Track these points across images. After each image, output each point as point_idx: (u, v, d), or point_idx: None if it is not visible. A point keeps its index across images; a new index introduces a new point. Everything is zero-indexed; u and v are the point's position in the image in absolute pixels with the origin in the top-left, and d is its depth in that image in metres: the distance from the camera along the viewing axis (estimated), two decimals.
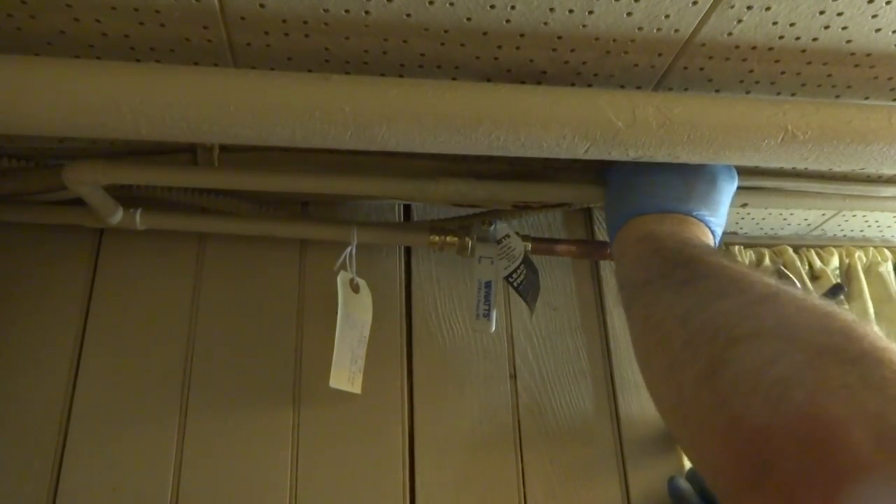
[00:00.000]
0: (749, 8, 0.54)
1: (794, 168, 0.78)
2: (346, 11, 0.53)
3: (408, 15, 0.53)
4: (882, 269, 0.98)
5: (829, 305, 0.39)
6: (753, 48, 0.58)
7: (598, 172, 0.74)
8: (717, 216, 0.63)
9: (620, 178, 0.67)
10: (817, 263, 0.95)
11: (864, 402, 0.30)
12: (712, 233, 0.62)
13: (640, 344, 0.51)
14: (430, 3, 0.52)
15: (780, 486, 0.30)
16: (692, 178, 0.63)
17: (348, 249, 0.73)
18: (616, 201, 0.66)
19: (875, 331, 0.35)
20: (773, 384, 0.33)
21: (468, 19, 0.54)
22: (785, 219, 0.94)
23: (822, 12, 0.54)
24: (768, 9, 0.54)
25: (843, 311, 0.38)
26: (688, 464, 0.79)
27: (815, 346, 0.34)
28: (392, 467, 0.73)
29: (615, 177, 0.68)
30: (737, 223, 0.96)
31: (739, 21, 0.55)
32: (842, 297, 0.87)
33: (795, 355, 0.34)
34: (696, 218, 0.61)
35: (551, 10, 0.53)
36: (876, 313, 0.94)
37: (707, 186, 0.63)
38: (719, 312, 0.41)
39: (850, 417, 0.29)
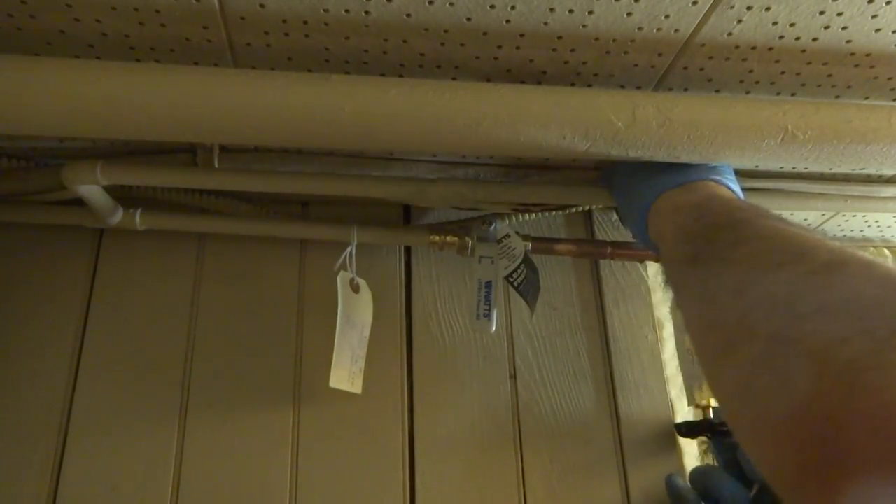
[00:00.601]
0: (749, 8, 0.54)
1: (794, 168, 0.78)
2: (346, 11, 0.53)
3: (408, 15, 0.53)
4: None
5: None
6: (753, 48, 0.58)
7: (598, 173, 0.74)
8: (737, 185, 0.59)
9: (627, 168, 0.64)
10: None
11: None
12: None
13: (693, 325, 0.46)
14: (430, 3, 0.52)
15: (853, 480, 0.28)
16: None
17: (348, 249, 0.73)
18: (631, 190, 0.63)
19: None
20: (845, 367, 0.29)
21: (468, 19, 0.54)
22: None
23: (821, 12, 0.54)
24: (768, 9, 0.54)
25: None
26: (688, 464, 0.79)
27: (890, 323, 0.30)
28: (392, 467, 0.73)
29: (621, 168, 0.66)
30: None
31: (739, 21, 0.55)
32: None
33: (869, 334, 0.30)
34: (722, 183, 0.57)
35: (551, 10, 0.53)
36: None
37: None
38: (778, 283, 0.37)
39: None
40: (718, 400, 0.41)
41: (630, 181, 0.63)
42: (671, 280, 0.52)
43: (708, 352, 0.42)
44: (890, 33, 0.57)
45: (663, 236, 0.55)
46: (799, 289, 0.36)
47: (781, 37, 0.57)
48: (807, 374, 0.31)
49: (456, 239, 0.76)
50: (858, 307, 0.32)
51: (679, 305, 0.50)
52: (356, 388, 0.71)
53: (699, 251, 0.47)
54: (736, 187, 0.58)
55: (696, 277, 0.46)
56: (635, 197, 0.61)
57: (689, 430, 0.74)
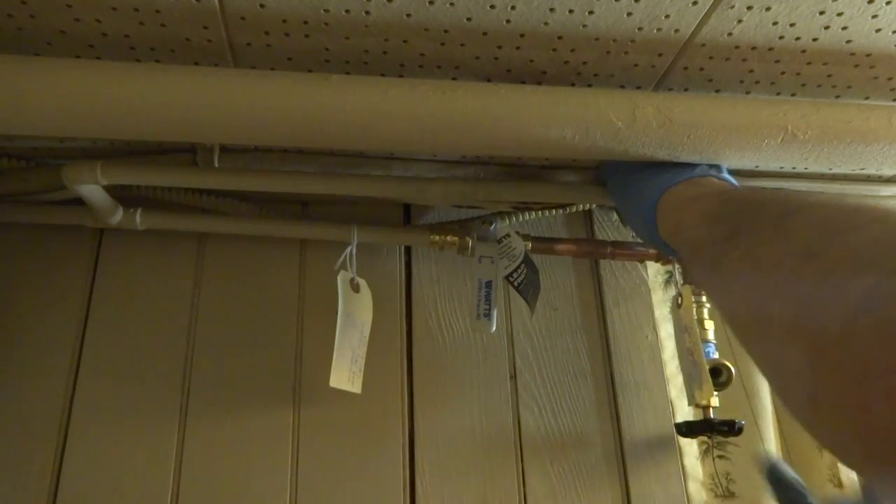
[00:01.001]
0: (749, 8, 0.54)
1: (794, 168, 0.78)
2: (347, 11, 0.53)
3: (408, 15, 0.53)
4: None
5: None
6: (753, 48, 0.58)
7: (595, 172, 0.74)
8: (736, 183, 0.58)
9: (626, 168, 0.63)
10: None
11: None
12: None
13: (743, 303, 0.39)
14: (431, 3, 0.52)
15: None
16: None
17: (348, 249, 0.73)
18: (631, 190, 0.61)
19: None
20: None
21: (468, 19, 0.54)
22: None
23: (822, 12, 0.54)
24: (768, 9, 0.54)
25: None
26: (689, 464, 0.79)
27: None
28: (392, 467, 0.73)
29: (619, 168, 0.65)
30: None
31: (739, 21, 0.55)
32: None
33: None
34: (725, 179, 0.56)
35: (551, 10, 0.53)
36: None
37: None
38: (860, 241, 0.32)
39: None
40: (782, 381, 0.35)
41: (629, 180, 0.62)
42: (702, 264, 0.46)
43: (772, 324, 0.36)
44: (890, 33, 0.57)
45: (681, 227, 0.52)
46: (887, 246, 0.30)
47: (782, 37, 0.57)
48: None
49: (456, 238, 0.76)
50: None
51: (716, 287, 0.44)
52: (356, 387, 0.71)
53: (738, 227, 0.43)
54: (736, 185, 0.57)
55: (741, 252, 0.41)
56: (637, 196, 0.59)
57: (689, 429, 0.74)
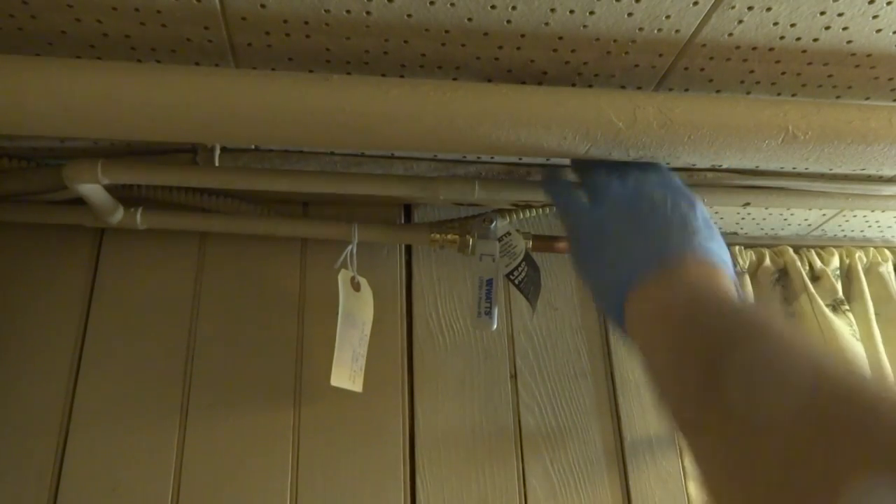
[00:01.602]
0: (750, 8, 0.54)
1: (794, 168, 0.79)
2: (348, 12, 0.53)
3: (409, 15, 0.53)
4: (882, 269, 0.98)
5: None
6: (754, 49, 0.58)
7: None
8: (723, 249, 0.49)
9: (588, 222, 0.53)
10: (817, 263, 0.95)
11: None
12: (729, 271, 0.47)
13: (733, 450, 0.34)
14: (432, 3, 0.52)
15: None
16: (674, 196, 0.51)
17: (349, 248, 0.73)
18: (601, 260, 0.50)
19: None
20: None
21: (469, 20, 0.54)
22: (785, 219, 0.94)
23: (822, 13, 0.54)
24: (769, 9, 0.54)
25: None
26: (688, 464, 0.79)
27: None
28: (392, 466, 0.73)
29: (587, 222, 0.53)
30: (737, 223, 0.96)
31: (740, 21, 0.55)
32: None
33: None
34: (703, 251, 0.47)
35: (552, 10, 0.53)
36: (876, 313, 0.94)
37: (692, 206, 0.51)
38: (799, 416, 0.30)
39: None
40: None
41: (600, 246, 0.51)
42: (673, 410, 0.40)
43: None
44: (891, 34, 0.57)
45: (650, 349, 0.44)
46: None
47: (782, 37, 0.57)
48: None
49: (457, 237, 0.76)
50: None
51: (691, 449, 0.38)
52: (357, 386, 0.71)
53: (718, 372, 0.37)
54: (716, 245, 0.48)
55: (729, 399, 0.36)
56: (607, 273, 0.49)
57: None
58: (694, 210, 0.50)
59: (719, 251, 0.48)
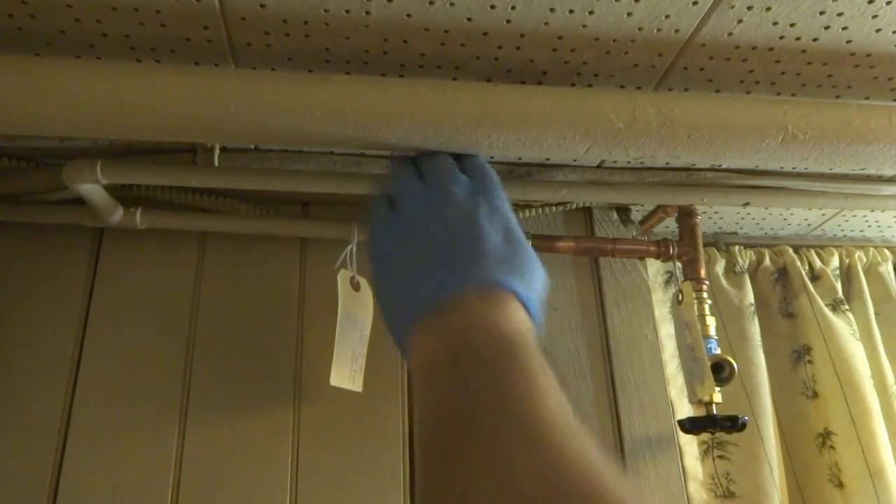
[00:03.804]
0: (749, 8, 0.54)
1: (794, 168, 0.79)
2: (347, 11, 0.53)
3: (408, 15, 0.53)
4: (882, 269, 0.99)
5: None
6: (754, 48, 0.58)
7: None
8: (530, 287, 0.43)
9: (380, 239, 0.48)
10: (817, 263, 0.95)
11: None
12: (528, 309, 0.42)
13: None
14: (431, 3, 0.52)
15: None
16: (469, 210, 0.45)
17: (349, 247, 0.73)
18: (382, 282, 0.47)
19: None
20: None
21: (469, 19, 0.54)
22: (785, 219, 0.94)
23: (822, 13, 0.54)
24: (769, 9, 0.54)
25: None
26: (688, 464, 0.79)
27: None
28: (392, 466, 0.73)
29: (373, 233, 0.49)
30: (737, 223, 0.96)
31: (740, 21, 0.55)
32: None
33: None
34: (503, 290, 0.41)
35: (552, 10, 0.53)
36: (876, 313, 0.94)
37: (499, 223, 0.45)
38: None
39: None
40: None
41: (387, 269, 0.47)
42: (424, 467, 0.36)
43: None
44: (890, 33, 0.57)
45: (417, 391, 0.40)
46: None
47: (782, 37, 0.57)
48: None
49: None
50: None
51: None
52: (357, 386, 0.71)
53: (439, 471, 0.35)
54: (506, 269, 0.42)
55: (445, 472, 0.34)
56: (392, 302, 0.45)
57: (692, 425, 0.74)
58: (492, 225, 0.45)
59: (509, 277, 0.42)
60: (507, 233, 0.45)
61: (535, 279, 0.44)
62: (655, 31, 0.56)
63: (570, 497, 0.30)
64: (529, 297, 0.42)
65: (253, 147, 0.72)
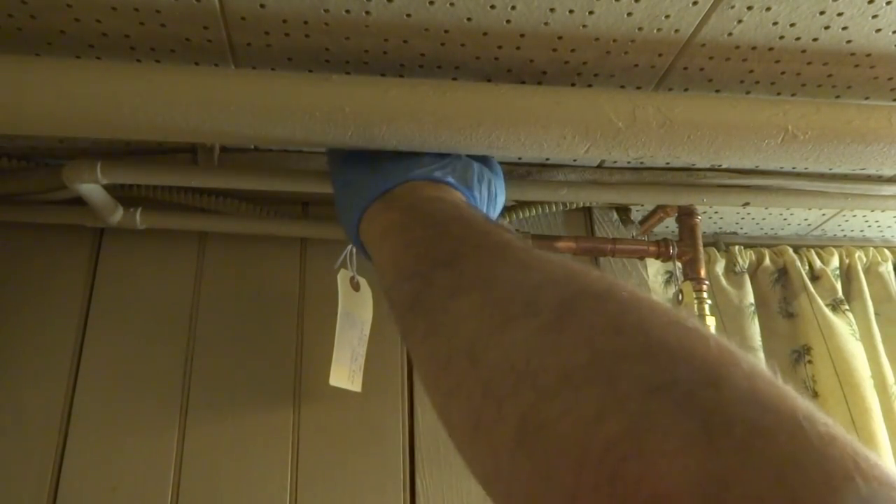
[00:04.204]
0: (749, 8, 0.54)
1: (794, 168, 0.79)
2: (347, 11, 0.53)
3: (408, 15, 0.53)
4: (882, 269, 0.99)
5: (658, 311, 0.29)
6: (754, 48, 0.58)
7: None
8: (472, 189, 0.51)
9: (343, 158, 0.55)
10: (817, 263, 0.95)
11: (703, 466, 0.22)
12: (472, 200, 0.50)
13: (432, 390, 0.37)
14: (431, 3, 0.52)
15: None
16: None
17: (349, 247, 0.73)
18: (344, 192, 0.53)
19: (726, 346, 0.26)
20: (603, 454, 0.24)
21: (468, 19, 0.54)
22: (785, 219, 0.94)
23: (822, 13, 0.54)
24: (769, 9, 0.54)
25: (682, 316, 0.29)
26: None
27: (644, 383, 0.25)
28: (392, 466, 0.73)
29: (340, 157, 0.56)
30: (737, 223, 0.96)
31: (740, 21, 0.55)
32: None
33: (620, 404, 0.25)
34: (436, 180, 0.49)
35: (552, 10, 0.53)
36: (876, 313, 0.94)
37: (452, 158, 0.53)
38: (513, 347, 0.30)
39: (688, 491, 0.22)
40: (478, 479, 0.34)
41: (345, 177, 0.54)
42: (398, 325, 0.41)
43: (456, 426, 0.36)
44: (890, 33, 0.56)
45: (380, 267, 0.46)
46: (536, 354, 0.29)
47: (782, 37, 0.57)
48: (567, 464, 0.25)
49: None
50: (607, 369, 0.27)
51: (414, 361, 0.41)
52: (356, 386, 0.71)
53: (418, 294, 0.39)
54: (446, 173, 0.51)
55: (422, 332, 0.37)
56: (347, 204, 0.52)
57: None
58: (432, 155, 0.53)
59: (446, 174, 0.50)
60: (465, 162, 0.53)
61: (472, 177, 0.52)
62: (655, 31, 0.56)
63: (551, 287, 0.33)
64: (461, 186, 0.50)
65: (253, 147, 0.72)
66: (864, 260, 0.98)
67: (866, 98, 0.66)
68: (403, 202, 0.47)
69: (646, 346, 0.27)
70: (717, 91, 0.64)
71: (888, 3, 0.53)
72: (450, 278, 0.37)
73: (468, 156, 0.55)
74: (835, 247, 0.98)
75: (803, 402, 0.24)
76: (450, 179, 0.50)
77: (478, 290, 0.35)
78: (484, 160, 0.56)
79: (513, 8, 0.53)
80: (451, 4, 0.52)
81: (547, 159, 0.75)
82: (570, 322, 0.30)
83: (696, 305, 0.76)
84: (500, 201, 0.56)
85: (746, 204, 0.78)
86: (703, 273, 0.78)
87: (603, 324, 0.29)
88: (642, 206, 0.87)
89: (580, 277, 0.33)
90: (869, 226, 0.97)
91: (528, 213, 0.84)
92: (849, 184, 0.79)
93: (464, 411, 0.33)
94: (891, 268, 0.99)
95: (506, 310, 0.33)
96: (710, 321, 0.76)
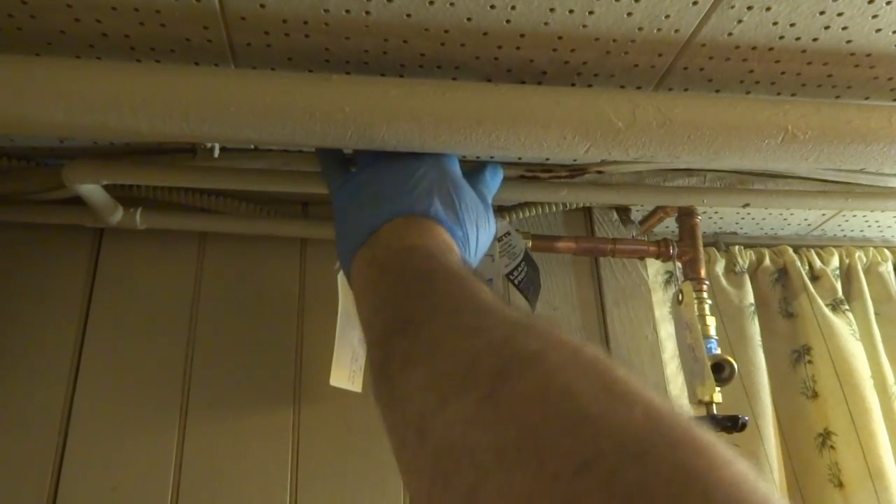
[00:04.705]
0: (749, 8, 0.54)
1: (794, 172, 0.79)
2: (347, 12, 0.53)
3: (408, 15, 0.53)
4: (882, 269, 0.99)
5: (590, 373, 0.29)
6: (754, 48, 0.58)
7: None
8: (458, 217, 0.50)
9: (341, 191, 0.55)
10: (817, 263, 0.95)
11: None
12: (455, 237, 0.49)
13: (398, 464, 0.36)
14: (431, 3, 0.52)
15: None
16: (413, 166, 0.52)
17: None
18: (336, 234, 0.53)
19: (656, 409, 0.26)
20: None
21: (468, 19, 0.54)
22: (785, 219, 0.94)
23: (822, 12, 0.54)
24: (769, 9, 0.54)
25: (614, 378, 0.28)
26: None
27: (571, 461, 0.25)
28: (392, 466, 0.73)
29: (330, 195, 0.56)
30: (737, 223, 0.96)
31: (740, 21, 0.55)
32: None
33: (552, 487, 0.25)
34: (422, 216, 0.49)
35: (552, 10, 0.53)
36: (876, 313, 0.94)
37: (438, 176, 0.52)
38: (454, 422, 0.30)
39: None
40: None
41: (343, 215, 0.53)
42: (371, 390, 0.41)
43: (415, 495, 0.34)
44: (890, 33, 0.56)
45: (361, 324, 0.46)
46: (472, 429, 0.29)
47: (782, 37, 0.57)
48: None
49: None
50: (528, 445, 0.26)
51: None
52: (356, 386, 0.71)
53: (381, 363, 0.39)
54: (459, 229, 0.50)
55: (385, 402, 0.38)
56: (340, 246, 0.52)
57: None
58: (431, 176, 0.52)
59: (431, 207, 0.49)
60: (454, 183, 0.52)
61: (471, 213, 0.51)
62: (655, 31, 0.56)
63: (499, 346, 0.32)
64: (447, 221, 0.49)
65: (253, 147, 0.72)
66: (864, 260, 0.98)
67: (866, 98, 0.66)
68: (381, 251, 0.47)
69: (571, 417, 0.27)
70: (717, 91, 0.64)
71: (888, 3, 0.53)
72: (405, 347, 0.37)
73: (466, 178, 0.55)
74: (835, 247, 0.98)
75: (736, 468, 0.24)
76: (434, 213, 0.49)
77: (425, 363, 0.35)
78: (477, 185, 0.56)
79: (513, 8, 0.53)
80: (451, 4, 0.52)
81: (547, 159, 0.75)
82: (502, 393, 0.29)
83: (696, 305, 0.76)
84: (491, 232, 0.56)
85: (746, 205, 0.78)
86: (703, 273, 0.78)
87: (530, 393, 0.29)
88: (642, 206, 0.87)
89: (517, 339, 0.32)
90: (869, 226, 0.97)
91: (528, 213, 0.84)
92: (852, 175, 0.79)
93: (420, 490, 0.32)
94: (891, 268, 0.99)
95: (448, 383, 0.32)
96: (711, 321, 0.76)
